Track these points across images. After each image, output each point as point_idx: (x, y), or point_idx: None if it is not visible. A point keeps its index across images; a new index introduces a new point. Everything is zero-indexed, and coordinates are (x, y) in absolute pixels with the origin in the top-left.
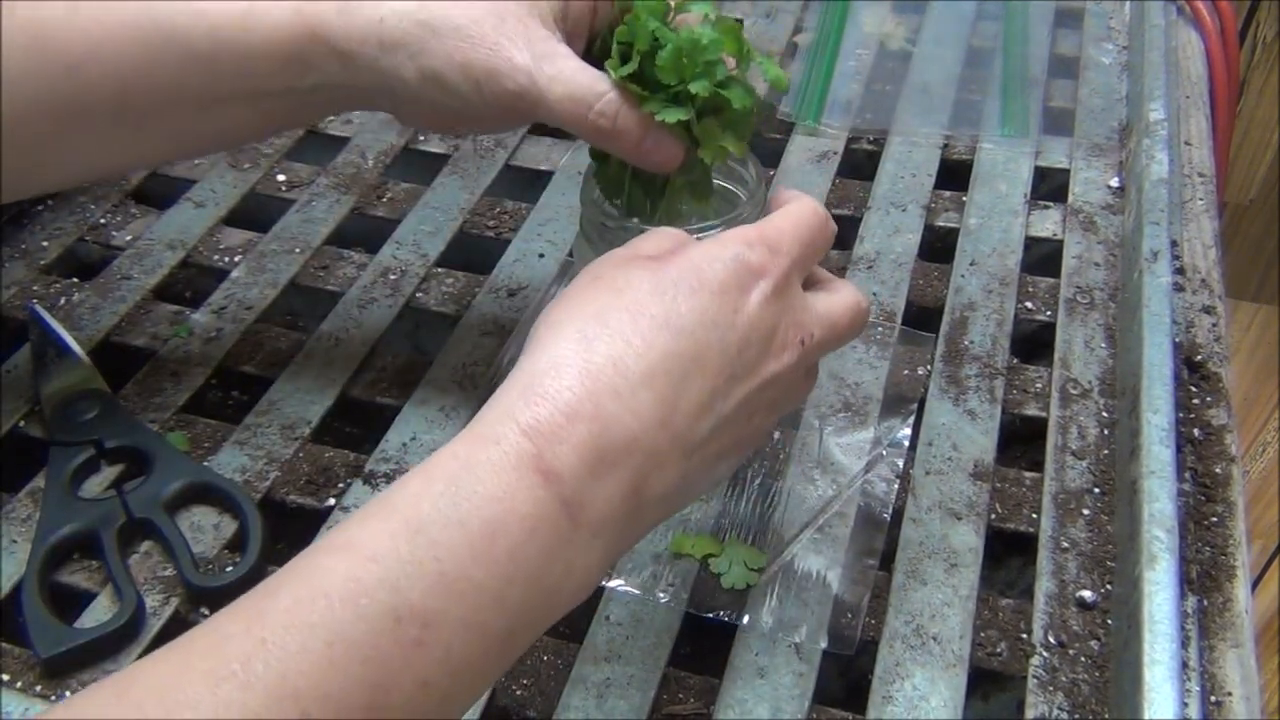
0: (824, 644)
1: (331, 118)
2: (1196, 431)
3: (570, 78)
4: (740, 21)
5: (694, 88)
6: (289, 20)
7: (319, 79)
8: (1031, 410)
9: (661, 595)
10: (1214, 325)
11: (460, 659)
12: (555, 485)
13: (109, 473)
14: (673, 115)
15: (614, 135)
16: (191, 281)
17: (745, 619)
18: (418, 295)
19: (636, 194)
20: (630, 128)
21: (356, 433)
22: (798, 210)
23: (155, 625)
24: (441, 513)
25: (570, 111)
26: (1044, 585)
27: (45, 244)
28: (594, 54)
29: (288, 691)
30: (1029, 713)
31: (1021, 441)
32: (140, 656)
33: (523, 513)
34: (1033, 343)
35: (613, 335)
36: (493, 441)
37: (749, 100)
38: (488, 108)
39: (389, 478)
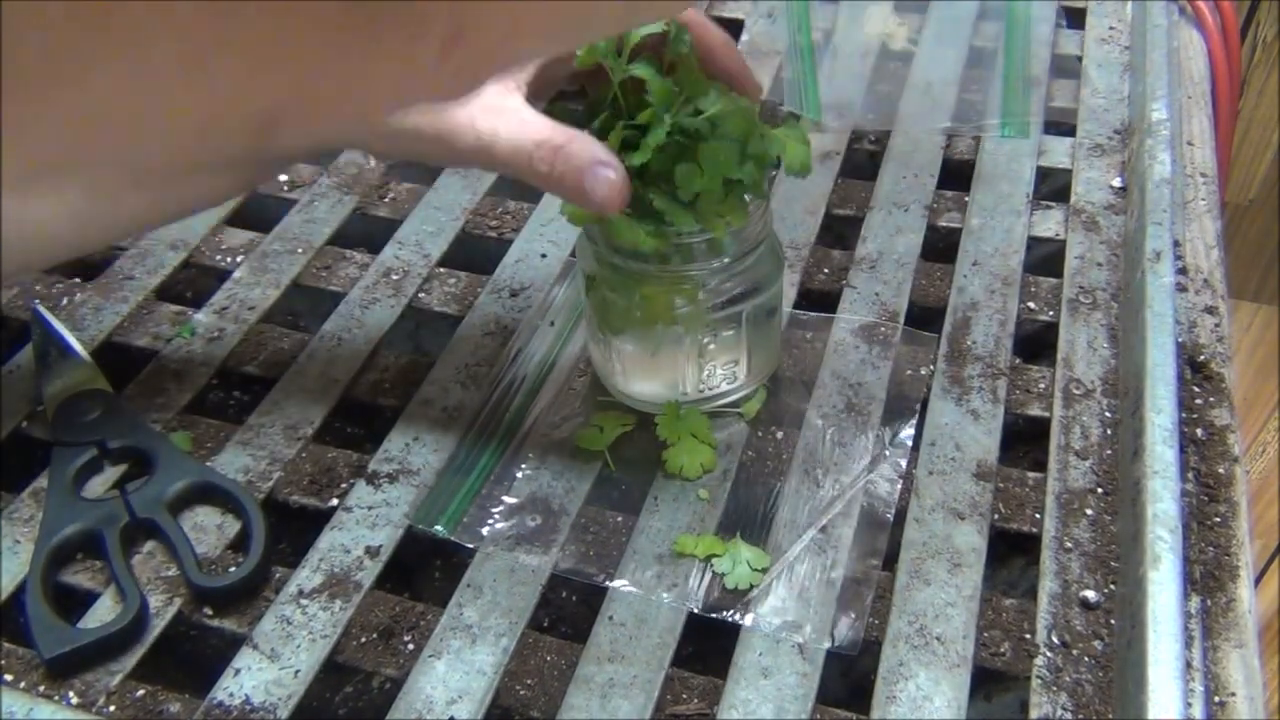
0: (827, 644)
1: None
2: (1199, 431)
3: (516, 130)
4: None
5: (697, 186)
6: None
7: (281, 150)
8: (1034, 410)
9: (665, 595)
10: (1216, 325)
11: None
12: None
13: (112, 473)
14: (682, 220)
15: (553, 180)
16: (193, 282)
17: (749, 619)
18: (420, 295)
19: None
20: (568, 172)
21: (359, 433)
22: None
23: (159, 626)
24: None
25: (515, 164)
26: (1047, 585)
27: None
28: (554, 108)
29: None
30: (1032, 713)
31: (1024, 441)
32: (144, 657)
33: None
34: (1035, 343)
35: None
36: None
37: (759, 184)
38: (451, 161)
39: (392, 478)
